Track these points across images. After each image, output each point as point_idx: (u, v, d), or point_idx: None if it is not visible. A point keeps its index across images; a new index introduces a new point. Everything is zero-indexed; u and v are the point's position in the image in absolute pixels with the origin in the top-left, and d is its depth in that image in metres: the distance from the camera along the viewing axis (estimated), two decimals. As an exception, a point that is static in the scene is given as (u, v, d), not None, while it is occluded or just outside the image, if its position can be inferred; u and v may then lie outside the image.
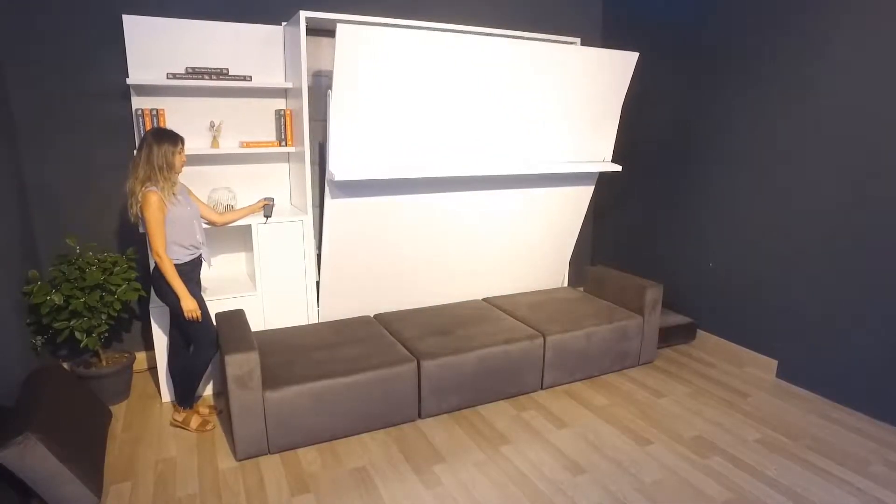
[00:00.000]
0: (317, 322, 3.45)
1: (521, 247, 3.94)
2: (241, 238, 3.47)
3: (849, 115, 3.00)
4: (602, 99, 3.59)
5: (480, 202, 3.58)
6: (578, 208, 4.03)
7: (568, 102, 3.47)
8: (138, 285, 3.08)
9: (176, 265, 2.63)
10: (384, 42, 2.76)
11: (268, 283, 3.26)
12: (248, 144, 3.36)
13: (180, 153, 2.62)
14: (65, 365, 3.20)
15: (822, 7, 3.07)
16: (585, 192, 3.98)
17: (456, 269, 3.74)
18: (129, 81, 3.02)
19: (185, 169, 2.75)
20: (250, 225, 3.17)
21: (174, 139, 2.60)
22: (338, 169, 2.91)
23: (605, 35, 4.60)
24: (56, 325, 2.90)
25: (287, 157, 3.61)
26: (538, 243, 4.00)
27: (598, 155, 3.87)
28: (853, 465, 2.62)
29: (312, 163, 3.40)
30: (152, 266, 2.70)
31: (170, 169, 2.57)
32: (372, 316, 3.56)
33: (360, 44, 2.70)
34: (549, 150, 3.65)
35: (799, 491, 2.43)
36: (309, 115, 3.18)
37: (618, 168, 3.84)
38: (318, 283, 3.40)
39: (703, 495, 2.41)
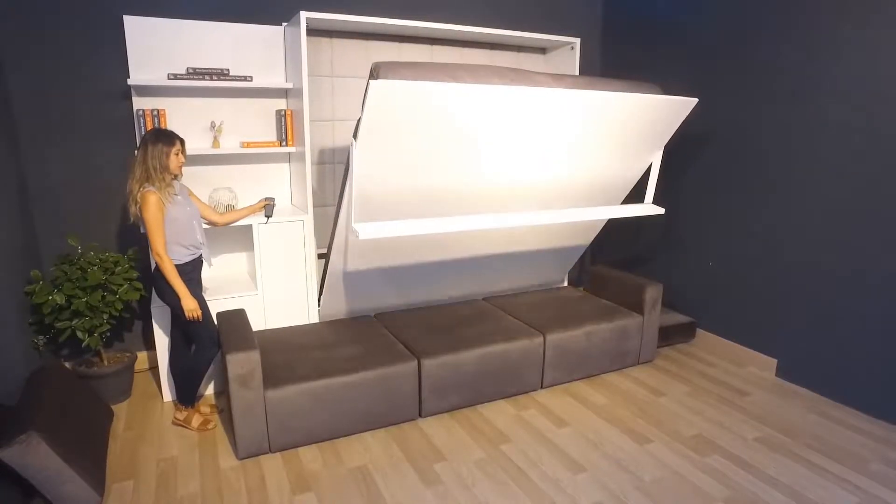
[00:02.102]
0: (317, 321, 3.46)
1: (524, 254, 3.92)
2: (242, 238, 3.48)
3: (851, 115, 3.01)
4: (644, 141, 3.31)
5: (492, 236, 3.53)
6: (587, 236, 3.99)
7: (607, 147, 3.22)
8: (140, 285, 3.10)
9: (177, 265, 2.64)
10: (420, 96, 2.45)
11: (268, 282, 3.27)
12: (248, 144, 3.37)
13: (177, 154, 2.62)
14: (67, 364, 3.21)
15: (827, 5, 3.08)
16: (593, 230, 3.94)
17: (456, 269, 3.74)
18: (129, 82, 3.03)
19: (186, 169, 2.76)
20: (251, 225, 3.18)
21: (169, 140, 2.60)
22: (362, 227, 2.68)
23: (605, 35, 4.60)
24: (58, 324, 2.91)
25: (288, 157, 3.62)
26: (541, 253, 3.99)
27: (636, 195, 3.68)
28: (853, 463, 2.63)
29: (313, 163, 3.42)
30: (153, 266, 2.71)
31: (164, 170, 2.58)
32: (372, 315, 3.58)
33: (394, 98, 2.42)
34: (583, 195, 3.49)
35: (798, 489, 2.44)
36: (310, 115, 3.19)
37: (660, 211, 3.54)
38: (322, 283, 3.40)
39: (703, 493, 2.41)
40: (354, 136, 2.56)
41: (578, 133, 3.02)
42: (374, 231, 2.67)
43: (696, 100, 3.14)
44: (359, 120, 2.50)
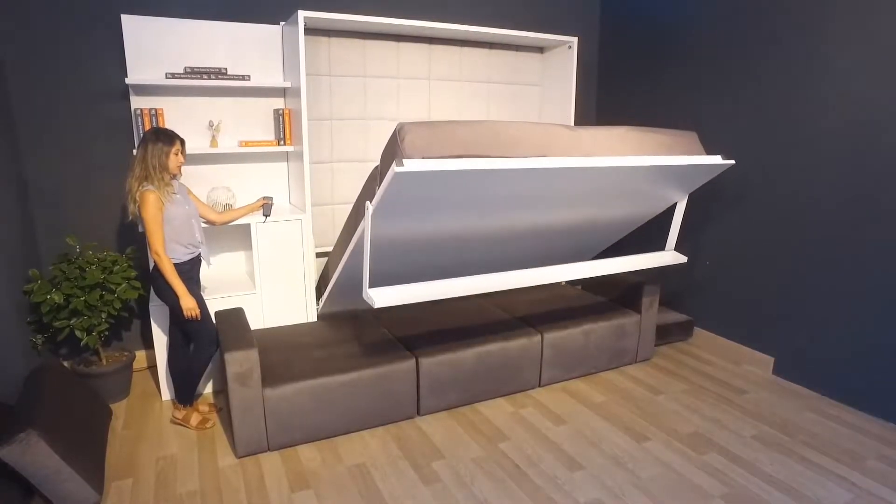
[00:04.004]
0: (315, 320, 3.46)
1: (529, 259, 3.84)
2: (241, 237, 3.48)
3: (849, 113, 3.02)
4: (672, 190, 3.18)
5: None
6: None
7: (634, 198, 3.11)
8: (138, 284, 3.10)
9: (175, 264, 2.64)
10: (444, 177, 2.26)
11: (267, 281, 3.28)
12: (246, 144, 3.37)
13: (176, 154, 2.63)
14: (65, 363, 3.21)
15: (824, 5, 3.09)
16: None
17: (462, 273, 3.70)
18: (128, 81, 3.04)
19: (184, 168, 2.76)
20: (249, 224, 3.18)
21: (169, 139, 2.61)
22: (377, 294, 2.54)
23: (603, 34, 4.61)
24: (56, 323, 2.91)
25: (286, 157, 3.62)
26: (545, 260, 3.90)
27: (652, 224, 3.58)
28: (848, 460, 2.64)
29: (311, 162, 3.42)
30: (151, 265, 2.72)
31: (163, 169, 2.58)
32: (370, 314, 3.58)
33: (419, 178, 2.22)
34: (598, 234, 3.42)
35: (795, 486, 2.45)
36: (307, 114, 3.20)
37: (683, 259, 3.41)
38: (320, 285, 3.40)
39: (700, 491, 2.43)
40: (369, 198, 2.37)
41: (607, 188, 2.87)
42: (389, 298, 2.52)
43: (732, 161, 3.00)
44: (376, 173, 2.34)
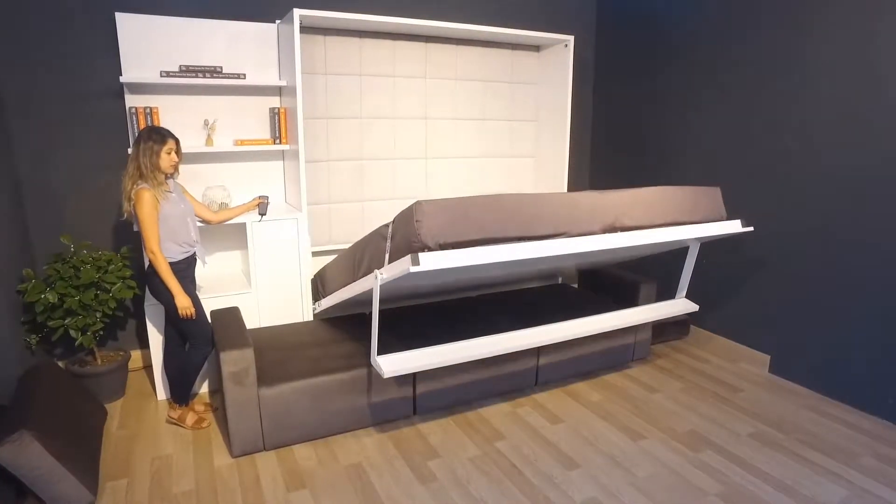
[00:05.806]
0: (311, 319, 3.45)
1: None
2: (236, 236, 3.47)
3: (845, 113, 3.02)
4: (684, 243, 3.15)
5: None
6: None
7: (647, 251, 3.09)
8: (133, 283, 3.08)
9: (170, 263, 2.63)
10: (460, 259, 2.20)
11: (263, 280, 3.27)
12: (242, 142, 3.36)
13: (169, 153, 2.61)
14: (60, 363, 3.19)
15: (821, 6, 3.09)
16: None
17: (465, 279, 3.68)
18: (122, 79, 3.02)
19: (179, 167, 2.74)
20: (245, 223, 3.17)
21: (161, 138, 2.59)
22: (385, 362, 2.51)
23: (599, 32, 4.61)
24: (51, 323, 2.89)
25: (281, 155, 3.61)
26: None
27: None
28: (844, 458, 2.65)
29: (307, 160, 3.41)
30: (146, 264, 2.70)
31: (154, 168, 2.57)
32: (367, 313, 3.57)
33: (429, 272, 2.20)
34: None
35: (790, 484, 2.46)
36: (303, 112, 3.19)
37: (695, 308, 3.39)
38: (318, 287, 3.38)
39: (696, 489, 2.43)
40: (377, 262, 2.37)
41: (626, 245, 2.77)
42: (399, 367, 2.49)
43: (751, 228, 2.97)
44: (385, 232, 2.34)
